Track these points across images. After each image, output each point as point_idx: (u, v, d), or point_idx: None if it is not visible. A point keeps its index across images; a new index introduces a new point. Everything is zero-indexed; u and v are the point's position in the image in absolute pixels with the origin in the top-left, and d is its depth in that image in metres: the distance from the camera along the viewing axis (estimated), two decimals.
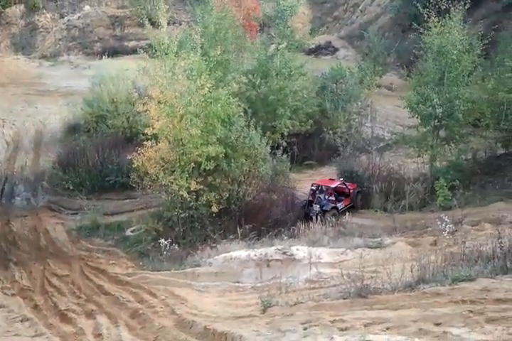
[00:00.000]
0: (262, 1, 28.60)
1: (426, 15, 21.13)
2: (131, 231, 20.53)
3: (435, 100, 20.79)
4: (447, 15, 21.21)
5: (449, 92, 21.22)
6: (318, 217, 19.26)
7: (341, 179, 22.11)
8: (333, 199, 21.33)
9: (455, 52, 20.76)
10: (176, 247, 17.60)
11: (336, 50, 49.15)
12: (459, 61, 21.12)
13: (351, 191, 21.85)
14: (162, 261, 16.99)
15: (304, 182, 24.10)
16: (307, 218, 19.93)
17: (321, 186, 21.52)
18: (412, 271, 10.78)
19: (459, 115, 21.19)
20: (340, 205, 21.35)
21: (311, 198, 21.28)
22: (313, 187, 21.47)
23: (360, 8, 55.02)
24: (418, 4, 21.92)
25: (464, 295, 9.15)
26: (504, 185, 20.35)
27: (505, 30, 38.24)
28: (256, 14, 32.15)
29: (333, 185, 21.52)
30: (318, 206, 20.76)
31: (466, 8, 21.23)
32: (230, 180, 19.62)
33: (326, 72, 30.09)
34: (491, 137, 22.80)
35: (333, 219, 19.53)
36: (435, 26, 21.06)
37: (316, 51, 48.27)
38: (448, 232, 12.53)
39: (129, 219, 21.36)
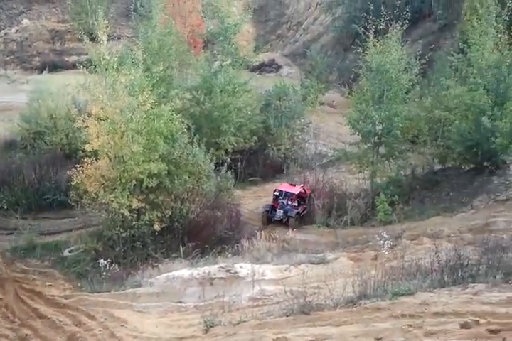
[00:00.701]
0: (206, 18, 28.58)
1: (365, 36, 21.71)
2: (69, 252, 19.83)
3: (375, 117, 21.29)
4: (386, 35, 21.88)
5: (389, 110, 21.78)
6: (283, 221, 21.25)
7: (302, 185, 23.04)
8: (296, 204, 22.23)
9: (393, 70, 21.34)
10: (116, 267, 17.09)
11: (279, 67, 49.93)
12: (397, 79, 21.74)
13: (308, 196, 22.80)
14: (101, 282, 16.39)
15: (248, 199, 24.12)
16: (270, 222, 21.60)
17: (285, 192, 22.24)
18: (353, 287, 10.86)
19: (397, 132, 21.76)
20: (300, 210, 22.25)
21: (273, 203, 22.10)
22: (276, 193, 22.22)
23: (303, 26, 56.20)
24: (358, 25, 22.49)
25: (403, 309, 9.27)
26: (441, 200, 20.96)
27: (441, 50, 39.94)
28: (200, 31, 32.21)
29: (296, 191, 22.33)
30: (281, 211, 21.72)
31: (404, 28, 21.95)
32: (172, 197, 19.37)
33: (270, 89, 30.41)
34: (429, 153, 23.53)
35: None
36: (374, 46, 21.64)
37: (260, 68, 48.85)
38: (386, 248, 12.71)
39: (67, 239, 20.65)
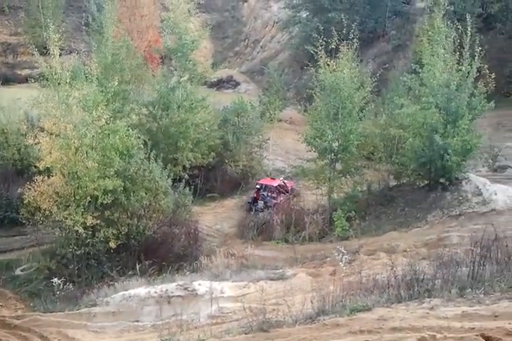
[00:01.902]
0: (163, 33, 28.48)
1: (317, 55, 22.09)
2: (21, 270, 19.20)
3: (330, 135, 21.60)
4: (339, 54, 22.34)
5: (344, 127, 22.11)
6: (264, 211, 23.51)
7: (281, 178, 25.43)
8: (275, 195, 24.29)
9: (346, 89, 21.75)
10: (71, 286, 16.62)
11: (237, 84, 50.30)
12: (351, 97, 22.14)
13: (289, 188, 25.01)
14: (55, 301, 15.94)
15: (206, 215, 23.94)
16: (251, 212, 23.79)
17: (265, 185, 24.66)
18: (312, 303, 10.84)
19: (353, 149, 22.12)
20: (280, 199, 24.11)
21: (255, 195, 24.49)
22: (257, 186, 24.77)
23: (261, 44, 56.91)
24: (312, 44, 22.90)
25: (361, 325, 9.29)
26: (397, 215, 21.34)
27: (395, 70, 41.05)
28: (157, 46, 32.04)
29: (275, 184, 24.61)
30: (262, 202, 24.10)
31: (354, 48, 22.43)
32: (129, 214, 19.01)
33: (228, 106, 30.43)
34: (384, 170, 24.01)
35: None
36: (328, 65, 22.04)
37: (218, 85, 49.14)
38: (344, 263, 12.80)
39: (19, 257, 19.98)
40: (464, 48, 21.13)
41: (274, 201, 23.96)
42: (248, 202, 24.58)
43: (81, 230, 17.88)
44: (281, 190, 24.75)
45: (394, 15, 50.49)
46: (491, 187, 20.89)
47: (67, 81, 17.88)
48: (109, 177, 18.36)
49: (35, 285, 18.09)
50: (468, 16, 21.47)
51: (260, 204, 23.99)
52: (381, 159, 24.20)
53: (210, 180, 26.62)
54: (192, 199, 21.81)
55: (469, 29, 20.90)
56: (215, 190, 26.54)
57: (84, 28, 31.65)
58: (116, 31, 28.70)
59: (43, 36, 40.62)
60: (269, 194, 24.35)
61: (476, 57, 21.05)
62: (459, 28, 21.15)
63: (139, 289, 15.05)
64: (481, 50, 21.11)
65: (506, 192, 20.78)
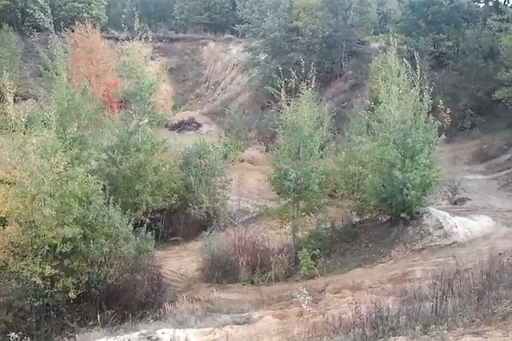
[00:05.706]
0: (121, 77, 28.55)
1: (277, 96, 22.51)
2: None
3: (292, 175, 21.74)
4: (297, 94, 22.79)
5: (306, 166, 22.30)
6: None
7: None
8: None
9: (306, 128, 22.09)
10: (29, 340, 15.83)
11: (199, 125, 50.77)
12: (311, 136, 22.46)
13: None
14: None
15: (170, 259, 23.47)
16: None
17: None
18: None
19: (315, 187, 22.23)
20: None
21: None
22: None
23: (221, 86, 57.87)
24: (270, 86, 23.38)
25: None
26: (361, 252, 21.32)
27: (353, 108, 42.09)
28: (116, 90, 32.06)
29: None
30: None
31: (311, 87, 22.92)
32: (89, 262, 18.43)
33: (190, 147, 30.50)
34: (347, 206, 24.11)
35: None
36: (288, 105, 22.43)
37: (180, 127, 49.51)
38: (307, 304, 12.61)
39: None
40: (415, 86, 21.84)
41: None
42: None
43: (39, 281, 17.16)
44: None
45: (350, 56, 52.38)
46: (451, 219, 21.12)
47: (22, 127, 17.61)
48: (67, 225, 17.81)
49: None
50: (416, 54, 22.32)
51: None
52: (343, 196, 24.38)
53: (173, 223, 26.28)
54: (154, 243, 21.37)
55: (419, 67, 21.66)
56: (178, 234, 26.18)
57: (39, 77, 31.50)
58: (75, 76, 28.60)
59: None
60: None
61: (428, 94, 21.71)
62: (412, 66, 21.87)
63: (101, 340, 14.46)
64: (433, 86, 21.80)
65: (466, 224, 21.03)
